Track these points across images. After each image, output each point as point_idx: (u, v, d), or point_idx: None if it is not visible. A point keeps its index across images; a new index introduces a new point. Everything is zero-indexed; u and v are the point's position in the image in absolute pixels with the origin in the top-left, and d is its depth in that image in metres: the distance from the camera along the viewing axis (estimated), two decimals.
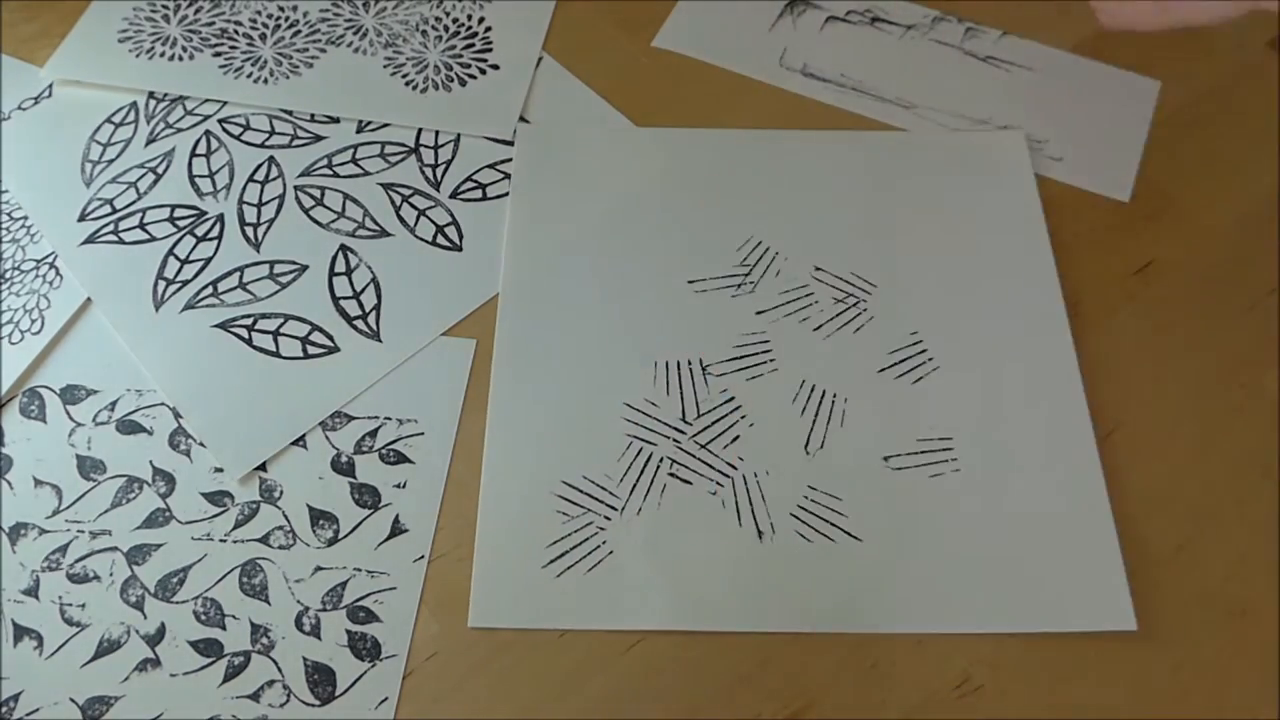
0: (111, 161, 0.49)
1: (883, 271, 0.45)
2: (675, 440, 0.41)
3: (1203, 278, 0.45)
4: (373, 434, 0.42)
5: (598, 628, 0.37)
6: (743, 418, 0.42)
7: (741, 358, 0.43)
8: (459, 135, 0.50)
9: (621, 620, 0.37)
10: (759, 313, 0.44)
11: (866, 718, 0.36)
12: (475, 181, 0.49)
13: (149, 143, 0.50)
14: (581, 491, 0.40)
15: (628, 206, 0.47)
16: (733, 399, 0.42)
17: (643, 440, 0.41)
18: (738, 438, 0.41)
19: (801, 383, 0.42)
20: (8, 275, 0.46)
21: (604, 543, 0.39)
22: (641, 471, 0.40)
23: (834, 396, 0.42)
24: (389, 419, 0.42)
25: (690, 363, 0.43)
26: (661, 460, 0.41)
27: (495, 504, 0.40)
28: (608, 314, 0.44)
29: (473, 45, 0.54)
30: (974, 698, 0.36)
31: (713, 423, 0.41)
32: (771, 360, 0.43)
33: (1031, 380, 0.42)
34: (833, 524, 0.39)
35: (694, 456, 0.41)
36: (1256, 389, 0.42)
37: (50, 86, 0.52)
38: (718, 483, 0.40)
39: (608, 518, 0.39)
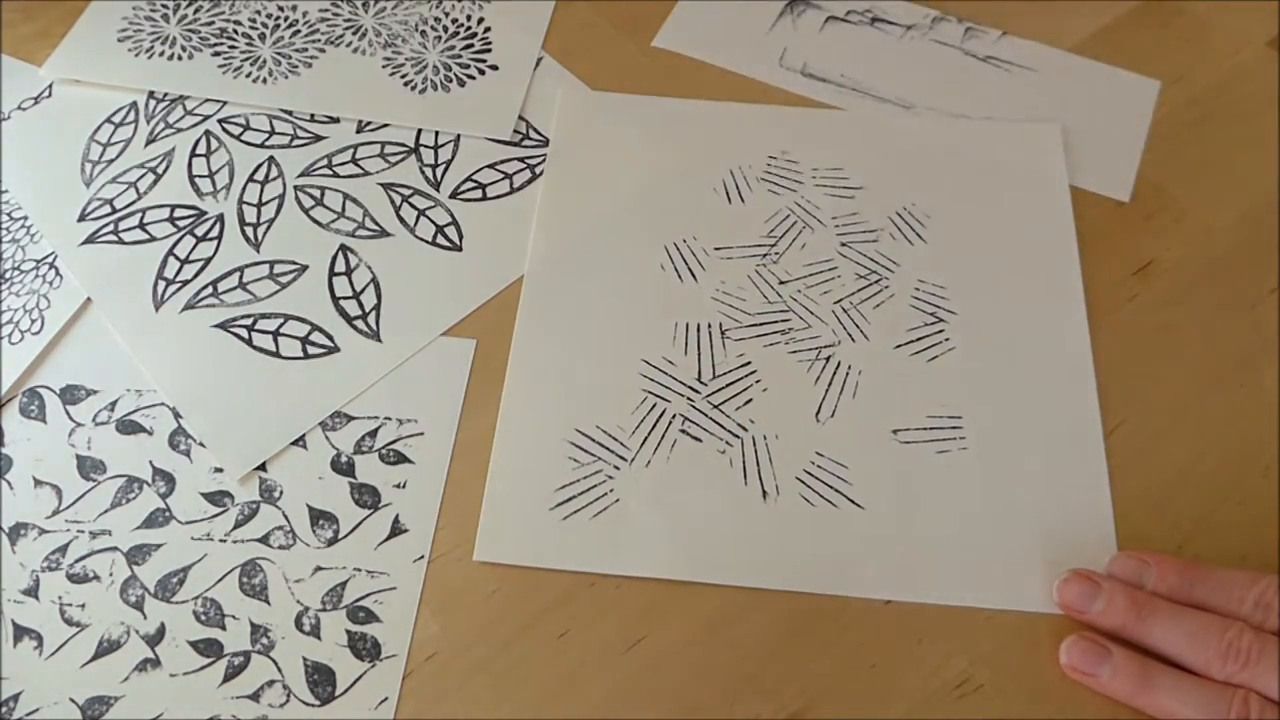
0: (111, 161, 0.49)
1: (907, 252, 0.46)
2: (689, 399, 0.42)
3: (1203, 278, 0.45)
4: (373, 434, 0.42)
5: (599, 571, 0.38)
6: (757, 382, 0.42)
7: (760, 325, 0.44)
8: (459, 135, 0.50)
9: (622, 566, 0.38)
10: (782, 283, 0.45)
11: (866, 718, 0.36)
12: (475, 181, 0.49)
13: (149, 143, 0.50)
14: (594, 440, 0.41)
15: (664, 174, 0.48)
16: (749, 363, 0.43)
17: (657, 396, 0.42)
18: (750, 401, 0.42)
19: (817, 353, 0.43)
20: (8, 275, 0.46)
21: (611, 490, 0.40)
22: (654, 426, 0.41)
23: (848, 368, 0.43)
24: (389, 419, 0.42)
25: (710, 326, 0.44)
26: (674, 417, 0.42)
27: (509, 446, 0.41)
28: (634, 273, 0.45)
29: (472, 45, 0.54)
30: (974, 698, 0.36)
31: (727, 384, 0.42)
32: (790, 329, 0.44)
33: (1046, 371, 0.42)
34: (837, 490, 0.40)
35: (706, 415, 0.42)
36: (1256, 389, 0.42)
37: (50, 86, 0.52)
38: (727, 442, 0.41)
39: (617, 467, 0.40)
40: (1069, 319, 0.44)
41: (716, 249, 0.46)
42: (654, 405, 0.42)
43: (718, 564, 0.38)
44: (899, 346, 0.43)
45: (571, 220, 0.47)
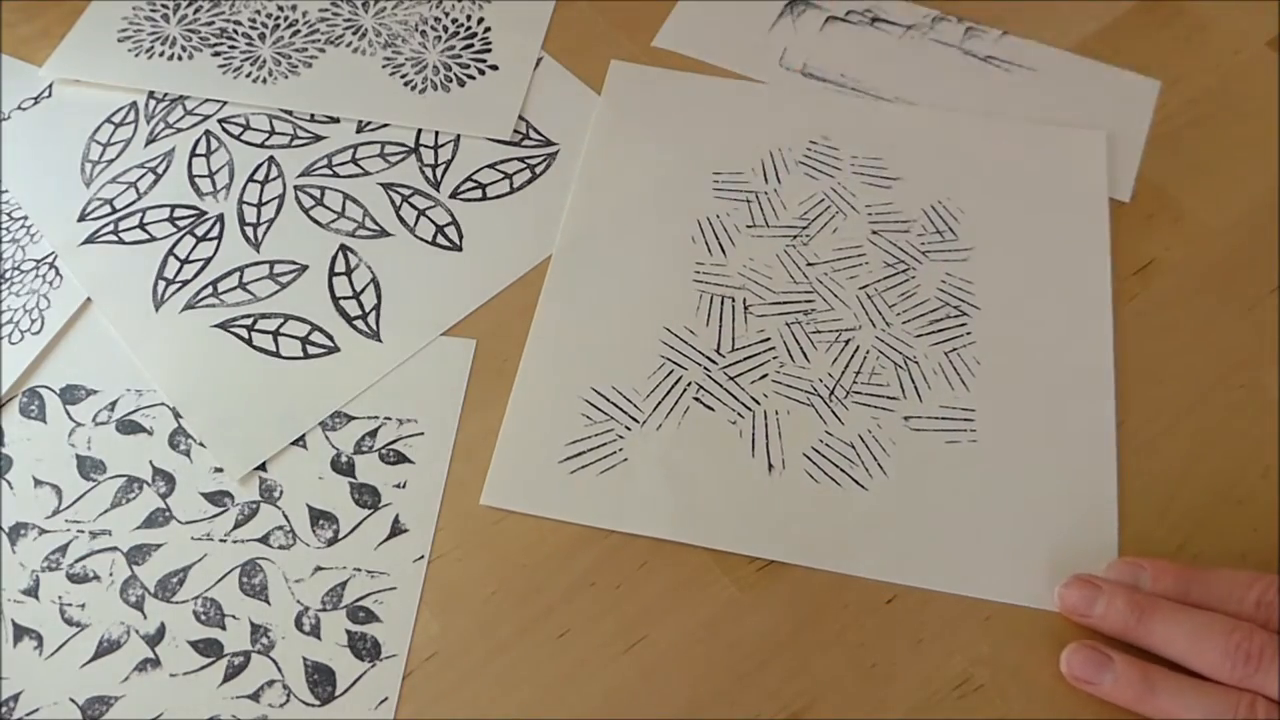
0: (111, 161, 0.49)
1: (938, 246, 0.46)
2: (706, 369, 0.43)
3: (1203, 278, 0.45)
4: (373, 434, 0.42)
5: (601, 526, 0.39)
6: (774, 358, 0.43)
7: (783, 303, 0.44)
8: (459, 135, 0.50)
9: (624, 523, 0.39)
10: (809, 264, 0.46)
11: (866, 718, 0.36)
12: (475, 181, 0.49)
13: (149, 143, 0.50)
14: (608, 400, 0.42)
15: (703, 150, 0.49)
16: (768, 339, 0.43)
17: (675, 363, 0.43)
18: (765, 376, 0.43)
19: (837, 335, 0.44)
20: (8, 275, 0.46)
21: (620, 450, 0.41)
22: (668, 391, 0.42)
23: (866, 352, 0.43)
24: (389, 419, 0.42)
25: (733, 300, 0.45)
26: (689, 384, 0.42)
27: (526, 397, 0.42)
28: (664, 243, 0.46)
29: (472, 45, 0.54)
30: (974, 698, 0.36)
31: (745, 358, 0.43)
32: (812, 310, 0.44)
33: (1064, 373, 0.42)
34: (842, 469, 0.40)
35: (721, 386, 0.42)
36: (1256, 389, 0.42)
37: (50, 86, 0.52)
38: (739, 414, 0.42)
39: (628, 428, 0.41)
40: (1094, 324, 0.44)
41: (748, 226, 0.47)
42: (671, 372, 0.43)
43: (717, 530, 0.39)
44: (920, 336, 0.44)
45: (609, 187, 0.48)
